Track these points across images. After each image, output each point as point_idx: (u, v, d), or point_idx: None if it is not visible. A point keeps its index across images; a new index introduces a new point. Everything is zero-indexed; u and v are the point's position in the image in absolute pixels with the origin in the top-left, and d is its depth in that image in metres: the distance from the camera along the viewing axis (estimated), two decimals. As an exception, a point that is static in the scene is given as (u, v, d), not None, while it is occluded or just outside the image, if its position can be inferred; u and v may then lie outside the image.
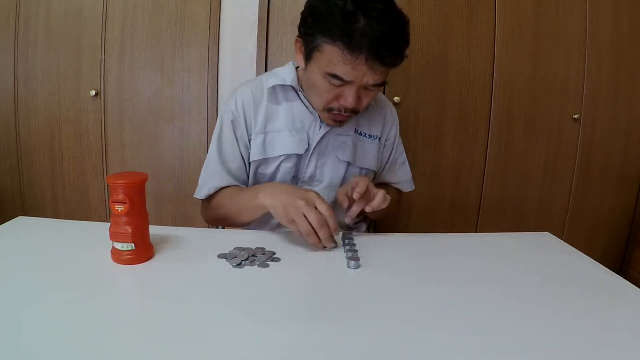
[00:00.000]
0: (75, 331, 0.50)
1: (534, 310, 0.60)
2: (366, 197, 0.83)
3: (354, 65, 0.78)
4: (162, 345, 0.48)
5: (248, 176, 1.01)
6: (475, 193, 1.91)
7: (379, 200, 0.82)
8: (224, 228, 1.12)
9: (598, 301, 0.63)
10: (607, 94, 1.88)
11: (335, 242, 0.78)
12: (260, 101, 0.97)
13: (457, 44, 1.77)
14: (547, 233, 0.92)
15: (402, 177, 1.12)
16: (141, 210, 0.70)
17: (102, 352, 0.46)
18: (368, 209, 0.83)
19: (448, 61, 1.78)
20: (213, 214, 0.99)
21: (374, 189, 0.83)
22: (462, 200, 1.91)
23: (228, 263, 0.70)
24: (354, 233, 0.86)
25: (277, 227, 0.99)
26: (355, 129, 1.01)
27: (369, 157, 1.03)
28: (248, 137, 0.97)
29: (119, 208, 0.66)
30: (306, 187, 0.99)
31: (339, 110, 0.87)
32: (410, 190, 1.14)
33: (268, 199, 0.80)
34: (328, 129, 0.96)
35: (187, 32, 1.77)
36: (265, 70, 1.79)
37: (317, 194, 0.78)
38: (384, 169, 1.09)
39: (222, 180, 0.96)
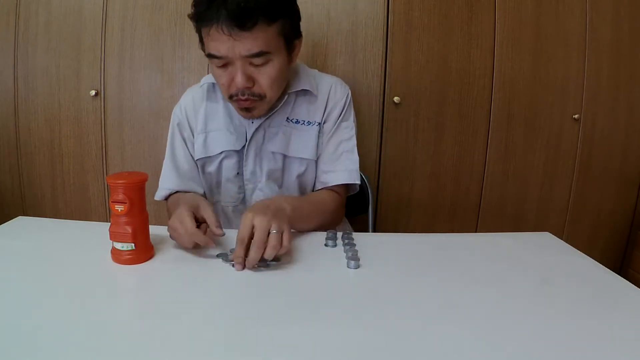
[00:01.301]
0: (75, 331, 0.50)
1: (533, 310, 0.60)
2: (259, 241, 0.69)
3: (216, 37, 0.80)
4: (162, 345, 0.48)
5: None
6: (475, 193, 1.91)
7: (269, 252, 0.68)
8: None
9: (598, 301, 0.63)
10: (607, 94, 1.88)
11: (331, 242, 0.79)
12: (200, 102, 1.02)
13: (457, 44, 1.76)
14: (547, 233, 0.92)
15: (346, 166, 0.99)
16: (141, 210, 0.70)
17: (102, 352, 0.46)
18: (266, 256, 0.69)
19: (448, 61, 1.78)
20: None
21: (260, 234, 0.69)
22: (462, 200, 1.90)
23: (228, 263, 0.70)
24: (353, 233, 0.86)
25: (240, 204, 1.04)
26: (287, 118, 0.99)
27: (306, 145, 0.99)
28: (193, 137, 1.02)
29: (119, 208, 0.66)
30: (250, 184, 1.01)
31: (237, 95, 0.87)
32: (351, 182, 0.99)
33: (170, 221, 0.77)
34: (260, 122, 0.96)
35: (187, 32, 1.77)
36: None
37: (187, 210, 0.73)
38: (324, 154, 1.00)
39: (172, 182, 1.01)
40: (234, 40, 0.79)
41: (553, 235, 0.91)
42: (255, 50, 0.81)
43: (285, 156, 0.99)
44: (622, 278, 0.71)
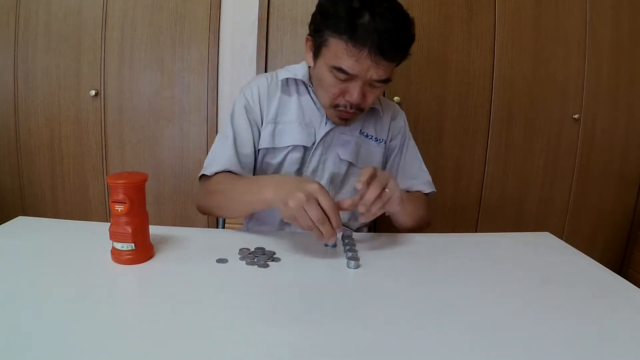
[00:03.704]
0: (75, 331, 0.50)
1: (534, 310, 0.60)
2: (382, 197, 0.74)
3: (358, 58, 0.80)
4: (162, 345, 0.48)
5: (255, 165, 0.99)
6: (475, 193, 1.91)
7: (394, 202, 0.75)
8: (224, 227, 1.12)
9: (598, 301, 0.63)
10: (607, 94, 1.88)
11: (331, 242, 0.75)
12: (275, 92, 1.00)
13: (457, 44, 1.77)
14: (547, 233, 0.92)
15: (423, 178, 1.09)
16: (141, 210, 0.70)
17: (102, 352, 0.46)
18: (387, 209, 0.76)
19: (448, 61, 1.78)
20: (208, 201, 0.92)
21: (391, 187, 0.75)
22: (462, 200, 1.91)
23: (228, 263, 0.70)
24: (354, 233, 0.86)
25: (280, 227, 0.99)
26: (361, 130, 1.02)
27: (373, 159, 1.04)
28: (261, 123, 0.99)
29: (119, 208, 0.66)
30: None
31: (345, 107, 0.89)
32: (430, 191, 1.09)
33: (271, 194, 0.75)
34: (333, 126, 0.98)
35: (187, 32, 1.77)
36: (266, 70, 1.80)
37: (320, 185, 0.70)
38: (396, 175, 1.07)
39: (231, 162, 0.92)
40: (375, 66, 0.81)
41: (553, 235, 0.91)
42: (385, 77, 0.84)
43: (350, 164, 1.01)
44: (622, 278, 0.71)
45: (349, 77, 0.84)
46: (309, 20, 0.89)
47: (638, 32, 1.85)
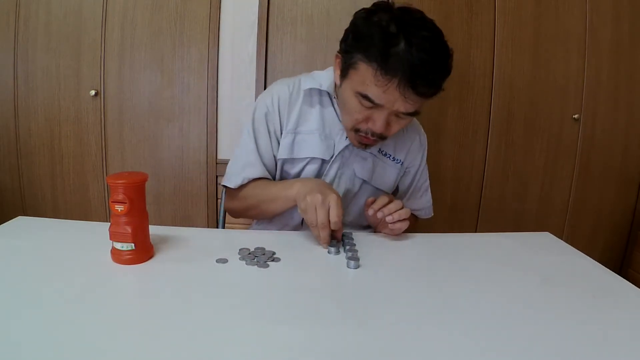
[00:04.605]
0: (75, 331, 0.50)
1: (533, 310, 0.60)
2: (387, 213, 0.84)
3: (386, 89, 0.75)
4: (162, 345, 0.48)
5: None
6: (475, 193, 1.91)
7: (397, 228, 0.84)
8: (224, 227, 1.12)
9: (598, 301, 0.63)
10: (607, 94, 1.88)
11: (334, 249, 0.77)
12: (296, 101, 0.96)
13: (457, 44, 1.76)
14: (547, 233, 0.92)
15: (423, 204, 1.10)
16: (141, 210, 0.70)
17: (102, 352, 0.46)
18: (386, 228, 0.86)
19: (448, 61, 1.78)
20: (242, 204, 0.97)
21: (396, 210, 0.83)
22: (462, 200, 1.91)
23: (228, 263, 0.70)
24: (353, 233, 0.86)
25: (298, 227, 0.99)
26: (380, 149, 0.99)
27: (387, 178, 1.01)
28: (280, 132, 0.97)
29: (119, 208, 0.66)
30: None
31: (366, 133, 0.85)
32: (428, 217, 1.13)
33: (297, 189, 0.84)
34: (349, 141, 0.94)
35: (187, 32, 1.77)
36: (265, 71, 1.80)
37: (338, 197, 0.78)
38: (405, 196, 1.07)
39: (257, 171, 0.95)
40: (403, 99, 0.76)
41: (553, 235, 0.91)
42: (412, 110, 0.79)
43: (364, 182, 0.99)
44: (622, 278, 0.71)
45: (375, 106, 0.79)
46: (341, 37, 0.84)
47: (638, 32, 1.85)
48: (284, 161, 0.97)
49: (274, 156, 0.97)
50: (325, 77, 0.95)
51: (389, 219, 0.82)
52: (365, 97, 0.78)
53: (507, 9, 1.77)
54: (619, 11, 1.82)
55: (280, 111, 0.95)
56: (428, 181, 1.12)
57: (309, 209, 0.78)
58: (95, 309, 0.55)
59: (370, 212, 0.83)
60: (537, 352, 0.49)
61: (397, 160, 1.01)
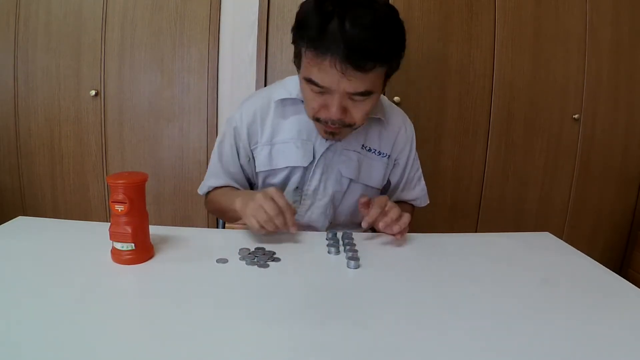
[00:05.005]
0: (75, 331, 0.50)
1: (533, 310, 0.60)
2: (383, 215, 0.82)
3: (324, 68, 0.74)
4: (162, 345, 0.48)
5: (248, 180, 1.04)
6: (475, 193, 1.91)
7: (397, 229, 0.81)
8: (224, 227, 1.12)
9: (598, 301, 0.63)
10: (607, 94, 1.88)
11: (334, 249, 0.77)
12: (267, 114, 0.96)
13: (457, 44, 1.77)
14: (547, 233, 0.92)
15: (417, 193, 1.09)
16: (141, 210, 0.70)
17: (102, 351, 0.46)
18: (386, 229, 0.83)
19: (448, 61, 1.78)
20: (210, 208, 1.06)
21: (392, 212, 0.82)
22: (462, 200, 1.91)
23: (228, 263, 0.70)
24: (353, 233, 0.86)
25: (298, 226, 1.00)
26: (363, 145, 0.97)
27: (375, 174, 1.00)
28: (251, 148, 0.98)
29: (119, 208, 0.66)
30: (309, 200, 0.98)
31: (326, 122, 0.83)
32: (425, 205, 1.12)
33: (240, 204, 0.81)
34: (332, 142, 0.93)
35: (187, 32, 1.77)
36: (265, 71, 1.80)
37: (276, 189, 0.79)
38: (398, 188, 1.07)
39: (219, 180, 1.02)
40: (344, 77, 0.74)
41: (553, 235, 0.91)
42: (361, 89, 0.76)
43: (351, 181, 0.98)
44: (622, 278, 0.71)
45: (324, 90, 0.77)
46: None
47: (638, 32, 1.85)
48: (265, 173, 0.98)
49: (243, 168, 1.01)
50: (296, 83, 0.92)
51: (389, 230, 0.82)
52: (311, 81, 0.78)
53: (507, 9, 1.77)
54: (619, 11, 1.82)
55: (250, 127, 0.96)
56: (420, 170, 1.10)
57: (256, 212, 0.76)
58: (95, 309, 0.55)
59: (365, 225, 0.81)
60: (537, 352, 0.49)
61: (383, 154, 1.00)
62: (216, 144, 1.02)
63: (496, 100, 1.83)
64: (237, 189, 1.01)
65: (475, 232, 1.91)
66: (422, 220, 1.95)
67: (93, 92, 1.78)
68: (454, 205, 1.90)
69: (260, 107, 0.96)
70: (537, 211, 1.96)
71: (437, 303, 0.61)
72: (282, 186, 0.98)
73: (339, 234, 0.84)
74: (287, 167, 0.95)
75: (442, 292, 0.64)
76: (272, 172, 0.97)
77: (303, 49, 0.78)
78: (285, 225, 0.77)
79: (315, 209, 0.99)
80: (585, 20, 1.81)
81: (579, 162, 1.93)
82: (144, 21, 1.76)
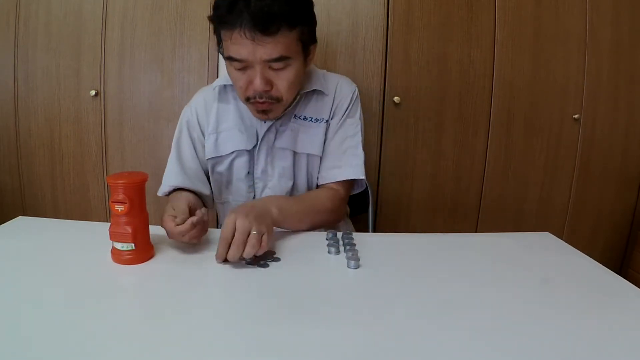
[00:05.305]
0: (75, 331, 0.50)
1: (533, 310, 0.60)
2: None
3: (237, 40, 0.81)
4: (162, 345, 0.48)
5: (208, 176, 1.05)
6: (475, 193, 1.91)
7: (248, 250, 0.69)
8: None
9: (598, 301, 0.64)
10: (607, 94, 1.88)
11: (334, 249, 0.76)
12: (212, 103, 1.02)
13: (457, 44, 1.76)
14: (547, 233, 0.92)
15: (349, 161, 0.99)
16: (141, 210, 0.70)
17: (102, 351, 0.46)
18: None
19: (448, 61, 1.78)
20: None
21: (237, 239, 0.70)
22: (462, 200, 1.90)
23: (227, 263, 0.70)
24: (354, 233, 0.86)
25: None
26: (295, 115, 1.00)
27: (313, 140, 1.00)
28: (204, 137, 1.02)
29: (119, 208, 0.66)
30: (260, 182, 1.02)
31: (255, 97, 0.88)
32: (355, 177, 0.99)
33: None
34: (271, 122, 0.98)
35: (187, 32, 1.77)
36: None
37: (167, 217, 0.74)
38: (328, 150, 1.00)
39: (177, 179, 1.00)
40: (256, 44, 0.80)
41: (553, 235, 0.91)
42: (275, 55, 0.82)
43: (294, 153, 1.01)
44: (622, 278, 0.71)
45: (245, 65, 0.84)
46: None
47: (638, 32, 1.84)
48: (214, 161, 1.02)
49: (200, 161, 1.03)
50: None
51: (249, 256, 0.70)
52: (230, 58, 0.84)
53: (507, 9, 1.77)
54: (619, 11, 1.82)
55: (199, 116, 1.02)
56: (359, 138, 1.01)
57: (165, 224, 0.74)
58: (95, 309, 0.55)
59: (218, 261, 0.71)
60: (537, 352, 0.49)
61: (320, 119, 1.01)
62: (173, 143, 1.04)
63: (496, 100, 1.83)
64: (192, 192, 0.99)
65: (475, 232, 1.91)
66: (422, 220, 1.96)
67: (93, 92, 1.78)
68: (454, 205, 1.90)
69: (205, 98, 1.03)
70: (537, 211, 1.96)
71: (437, 303, 0.61)
72: (230, 172, 1.02)
73: (339, 234, 0.84)
74: (232, 151, 0.99)
75: (442, 292, 0.64)
76: (219, 159, 1.01)
77: (220, 33, 0.85)
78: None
79: (268, 190, 1.02)
80: (585, 20, 1.81)
81: (579, 162, 1.93)
82: (144, 21, 1.76)
